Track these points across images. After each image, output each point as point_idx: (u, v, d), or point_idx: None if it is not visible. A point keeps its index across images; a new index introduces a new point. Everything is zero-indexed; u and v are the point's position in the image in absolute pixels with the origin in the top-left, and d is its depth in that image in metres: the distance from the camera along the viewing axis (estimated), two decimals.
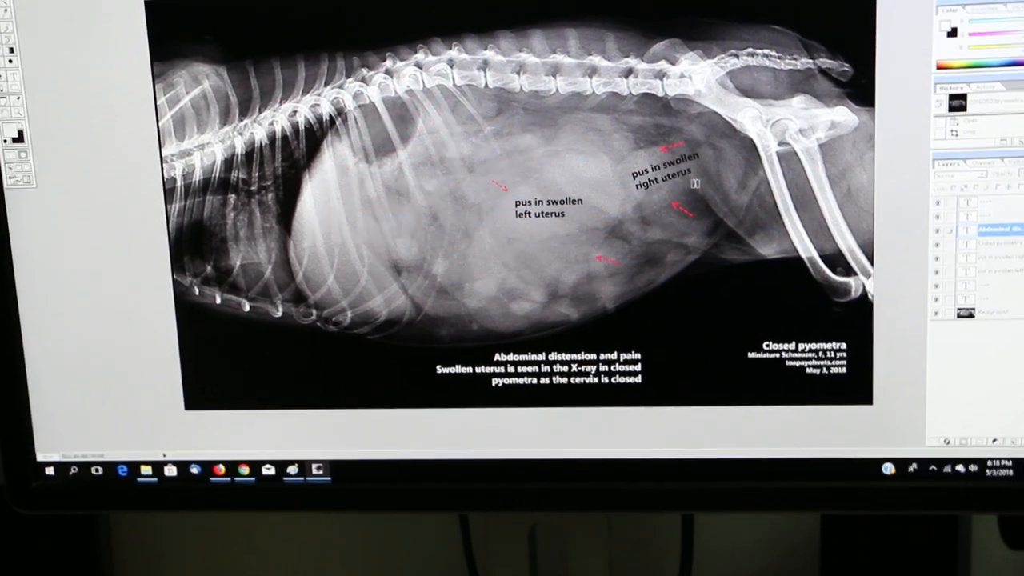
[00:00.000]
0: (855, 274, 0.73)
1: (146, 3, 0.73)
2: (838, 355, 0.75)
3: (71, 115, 0.76)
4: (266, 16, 0.73)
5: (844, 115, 0.71)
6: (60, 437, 0.81)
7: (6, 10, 0.75)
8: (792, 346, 0.75)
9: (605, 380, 0.77)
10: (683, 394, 0.76)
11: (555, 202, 0.74)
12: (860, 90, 0.71)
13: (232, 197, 0.76)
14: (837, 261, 0.73)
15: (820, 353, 0.75)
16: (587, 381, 0.77)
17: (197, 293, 0.77)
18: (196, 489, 0.81)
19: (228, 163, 0.75)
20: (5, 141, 0.76)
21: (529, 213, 0.74)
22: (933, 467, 0.76)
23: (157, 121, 0.75)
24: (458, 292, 0.76)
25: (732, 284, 0.74)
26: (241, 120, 0.75)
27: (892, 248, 0.73)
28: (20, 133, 0.76)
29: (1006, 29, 0.69)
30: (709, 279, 0.74)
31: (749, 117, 0.72)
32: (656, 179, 0.73)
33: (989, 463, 0.75)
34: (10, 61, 0.75)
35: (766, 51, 0.71)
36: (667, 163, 0.73)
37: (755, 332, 0.75)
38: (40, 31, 0.75)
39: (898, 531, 0.90)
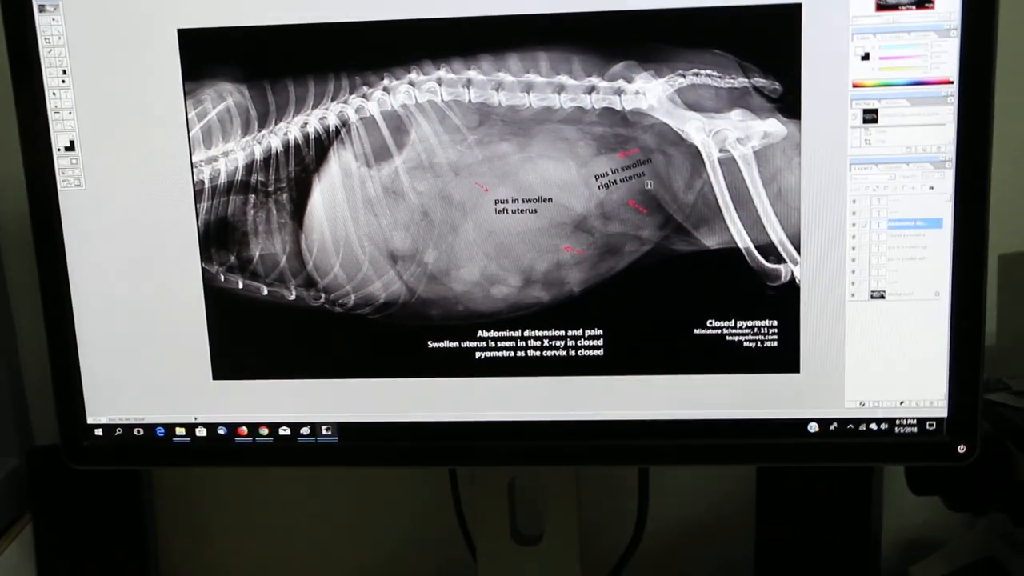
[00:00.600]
0: (785, 262, 0.73)
1: (179, 31, 0.73)
2: (770, 331, 0.75)
3: (115, 127, 0.75)
4: (281, 43, 0.73)
5: (775, 126, 0.71)
6: (107, 403, 0.81)
7: (60, 37, 0.74)
8: (731, 323, 0.75)
9: (572, 353, 0.77)
10: (639, 365, 0.77)
11: (529, 200, 0.74)
12: (788, 105, 0.71)
13: (252, 197, 0.75)
14: (769, 251, 0.73)
15: (755, 329, 0.75)
16: (557, 354, 0.77)
17: (223, 279, 0.77)
18: (223, 448, 0.81)
19: (249, 168, 0.75)
20: (59, 150, 0.76)
21: (507, 210, 0.74)
22: (851, 426, 0.76)
23: (188, 132, 0.75)
24: (446, 278, 0.76)
25: (680, 271, 0.74)
26: (260, 131, 0.74)
27: (816, 239, 0.73)
28: (72, 143, 0.76)
29: (911, 54, 0.69)
30: (661, 266, 0.74)
31: (694, 128, 0.72)
32: (615, 181, 0.73)
33: (897, 422, 0.76)
34: (63, 81, 0.75)
35: (708, 71, 0.71)
36: (624, 167, 0.73)
37: (700, 311, 0.75)
38: (88, 55, 0.75)
39: (821, 480, 0.90)
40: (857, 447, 0.77)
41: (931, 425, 0.76)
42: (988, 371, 0.80)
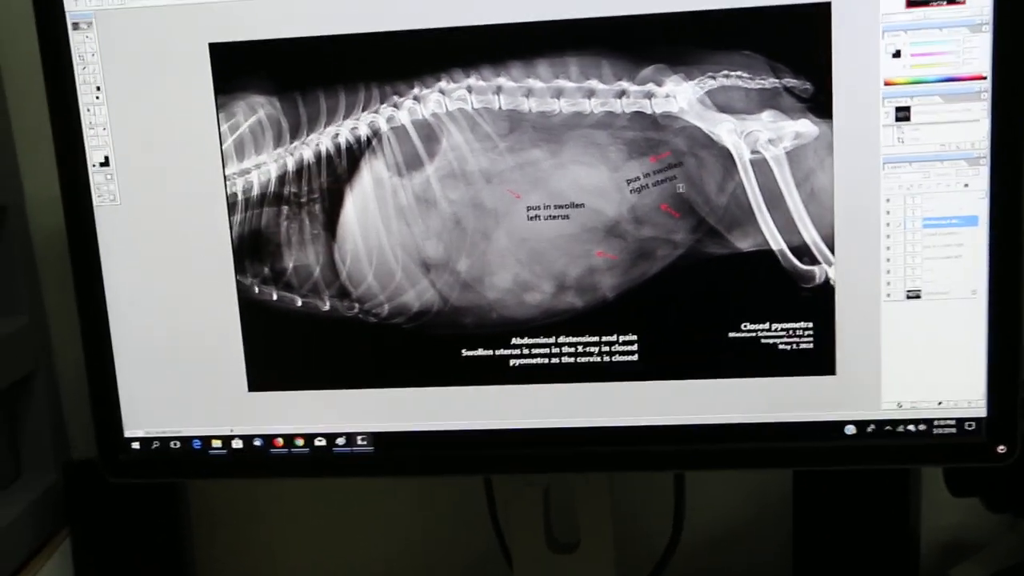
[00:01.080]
0: (819, 263, 0.73)
1: (210, 45, 0.74)
2: (805, 333, 0.74)
3: (149, 142, 0.76)
4: (310, 55, 0.73)
5: (806, 127, 0.71)
6: (144, 416, 0.81)
7: (94, 55, 0.75)
8: (766, 326, 0.74)
9: (606, 359, 0.76)
10: (673, 369, 0.76)
11: (561, 206, 0.74)
12: (819, 105, 0.70)
13: (285, 208, 0.76)
14: (803, 252, 0.73)
15: (790, 331, 0.74)
16: (591, 360, 0.76)
17: (257, 291, 0.77)
18: (259, 459, 0.81)
19: (281, 179, 0.75)
20: (94, 165, 0.77)
21: (539, 216, 0.74)
22: (888, 427, 0.76)
23: (220, 145, 0.75)
24: (479, 285, 0.76)
25: (714, 274, 0.74)
26: (291, 142, 0.75)
27: (850, 240, 0.72)
28: (106, 158, 0.76)
29: (942, 50, 0.69)
30: (694, 270, 0.74)
31: (726, 130, 0.71)
32: (647, 185, 0.73)
33: (935, 423, 0.75)
34: (97, 98, 0.76)
35: (739, 73, 0.70)
36: (656, 171, 0.72)
37: (734, 315, 0.75)
38: (122, 72, 0.75)
39: (859, 483, 0.90)
40: (895, 449, 0.76)
41: (970, 425, 0.75)
42: None
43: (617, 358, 0.76)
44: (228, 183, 0.76)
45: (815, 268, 0.73)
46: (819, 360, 0.75)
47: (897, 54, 0.69)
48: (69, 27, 0.75)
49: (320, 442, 0.80)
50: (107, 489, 0.97)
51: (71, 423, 1.05)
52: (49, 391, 1.01)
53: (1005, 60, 0.69)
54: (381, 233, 0.75)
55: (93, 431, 0.82)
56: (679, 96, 0.71)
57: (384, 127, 0.74)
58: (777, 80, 0.70)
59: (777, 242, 0.73)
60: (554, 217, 0.74)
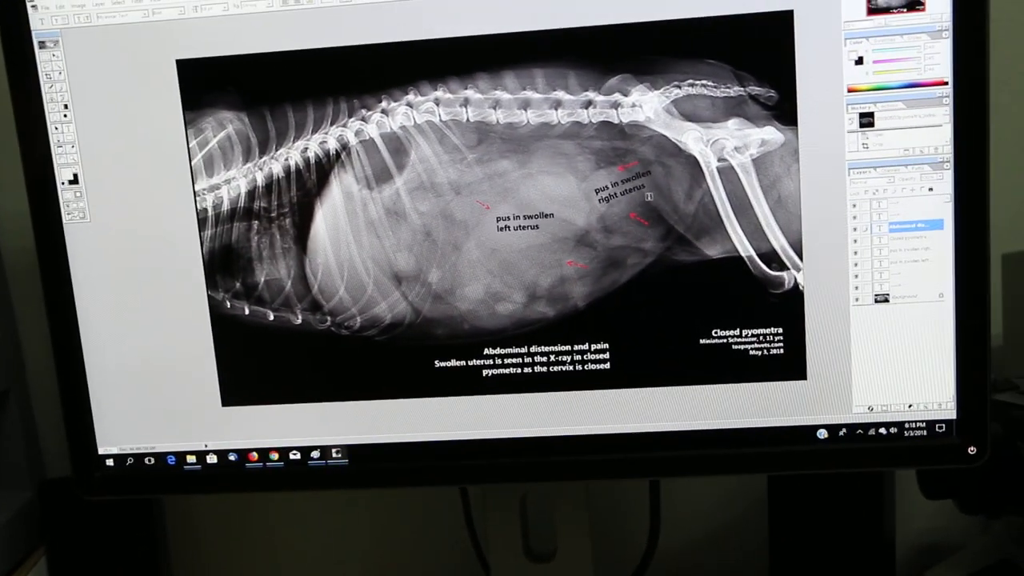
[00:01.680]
0: (787, 269, 0.73)
1: (177, 61, 0.74)
2: (776, 339, 0.75)
3: (117, 159, 0.76)
4: (278, 70, 0.73)
5: (772, 134, 0.71)
6: (117, 433, 0.81)
7: (60, 72, 0.75)
8: (737, 332, 0.75)
9: (579, 367, 0.77)
10: (646, 377, 0.76)
11: (530, 216, 0.74)
12: (784, 112, 0.71)
13: (255, 223, 0.76)
14: (772, 258, 0.73)
15: (760, 337, 0.75)
16: (564, 369, 0.77)
17: (228, 306, 0.77)
18: (234, 473, 0.81)
19: (251, 194, 0.75)
20: (63, 183, 0.76)
21: (509, 227, 0.74)
22: (860, 431, 0.76)
23: (190, 161, 0.75)
24: (451, 297, 0.76)
25: (684, 281, 0.74)
26: (261, 157, 0.75)
27: (817, 245, 0.73)
28: (75, 175, 0.76)
29: (904, 56, 0.70)
30: (664, 277, 0.74)
31: (692, 138, 0.72)
32: (616, 194, 0.73)
33: (906, 425, 0.76)
34: (65, 116, 0.76)
35: (704, 82, 0.71)
36: (624, 180, 0.73)
37: (705, 321, 0.75)
38: (89, 90, 0.75)
39: (834, 486, 0.90)
40: (867, 452, 0.76)
41: (940, 428, 0.75)
42: (995, 371, 0.80)
43: (590, 366, 0.76)
44: (198, 199, 0.76)
45: (784, 274, 0.73)
46: (790, 365, 0.75)
47: (860, 61, 0.70)
48: (36, 46, 0.75)
49: (295, 455, 0.80)
50: (83, 506, 0.97)
51: (45, 441, 1.05)
52: (22, 409, 1.01)
53: (966, 65, 0.69)
54: (352, 246, 0.75)
55: (67, 448, 0.81)
56: (645, 105, 0.72)
57: (353, 140, 0.74)
58: (742, 88, 0.71)
59: (746, 249, 0.73)
60: (524, 227, 0.74)
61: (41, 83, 0.75)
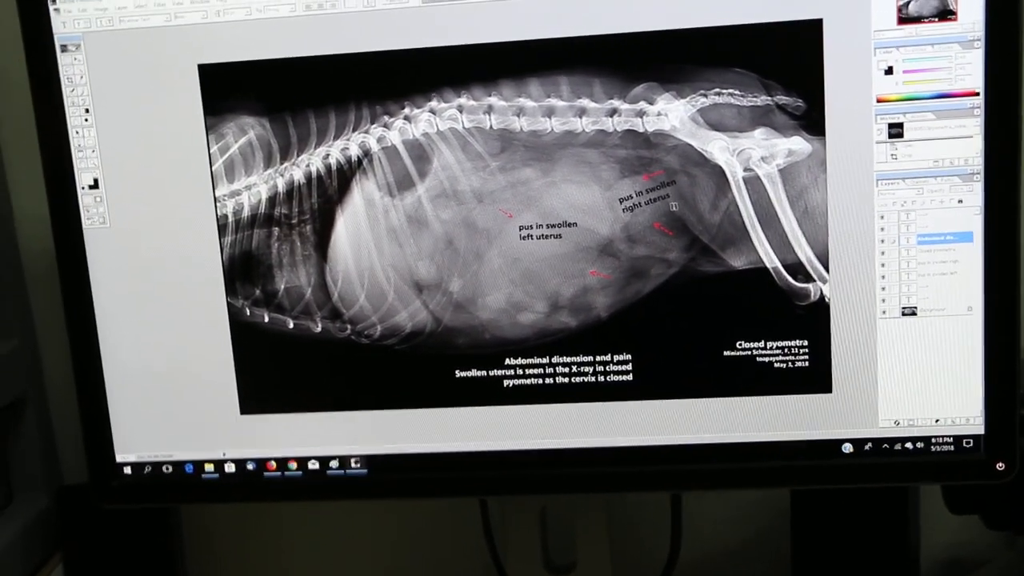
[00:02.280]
0: (813, 280, 0.72)
1: (199, 66, 0.73)
2: (801, 351, 0.74)
3: (138, 163, 0.76)
4: (301, 75, 0.73)
5: (799, 144, 0.71)
6: (135, 441, 0.80)
7: (82, 76, 0.75)
8: (761, 344, 0.74)
9: (601, 379, 0.76)
10: (669, 389, 0.76)
11: (553, 225, 0.73)
12: (812, 122, 0.70)
13: (276, 230, 0.75)
14: (798, 270, 0.72)
15: (786, 350, 0.74)
16: (586, 380, 0.76)
17: (248, 314, 0.77)
18: (252, 483, 0.80)
19: (272, 201, 0.75)
20: (83, 188, 0.76)
21: (531, 236, 0.74)
22: (885, 445, 0.75)
23: (210, 166, 0.75)
24: (472, 306, 0.75)
25: (708, 292, 0.73)
26: (282, 163, 0.74)
27: (844, 257, 0.72)
28: (96, 180, 0.76)
29: (934, 67, 0.69)
30: (688, 288, 0.73)
31: (718, 148, 0.71)
32: (640, 203, 0.72)
33: (933, 440, 0.75)
34: (86, 120, 0.75)
35: (730, 90, 0.70)
36: (649, 189, 0.72)
37: (729, 333, 0.74)
38: (110, 94, 0.75)
39: (858, 500, 0.89)
40: (893, 467, 0.75)
41: (968, 443, 0.74)
42: None
43: (612, 378, 0.76)
44: (218, 205, 0.75)
45: (810, 286, 0.73)
46: (815, 378, 0.74)
47: (889, 71, 0.69)
48: (57, 49, 0.74)
49: (313, 465, 0.80)
50: (99, 513, 0.96)
51: (63, 447, 1.05)
52: (40, 415, 1.01)
53: (998, 76, 0.68)
54: (372, 254, 0.75)
55: (85, 455, 0.81)
56: (671, 114, 0.71)
57: (375, 147, 0.74)
58: (769, 97, 0.70)
59: (771, 260, 0.72)
60: (547, 236, 0.74)
61: (63, 87, 0.75)
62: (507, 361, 0.76)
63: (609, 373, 0.76)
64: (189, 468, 0.81)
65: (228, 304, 0.77)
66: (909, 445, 0.75)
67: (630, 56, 0.70)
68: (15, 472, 1.00)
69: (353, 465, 0.79)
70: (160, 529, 0.99)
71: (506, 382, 0.76)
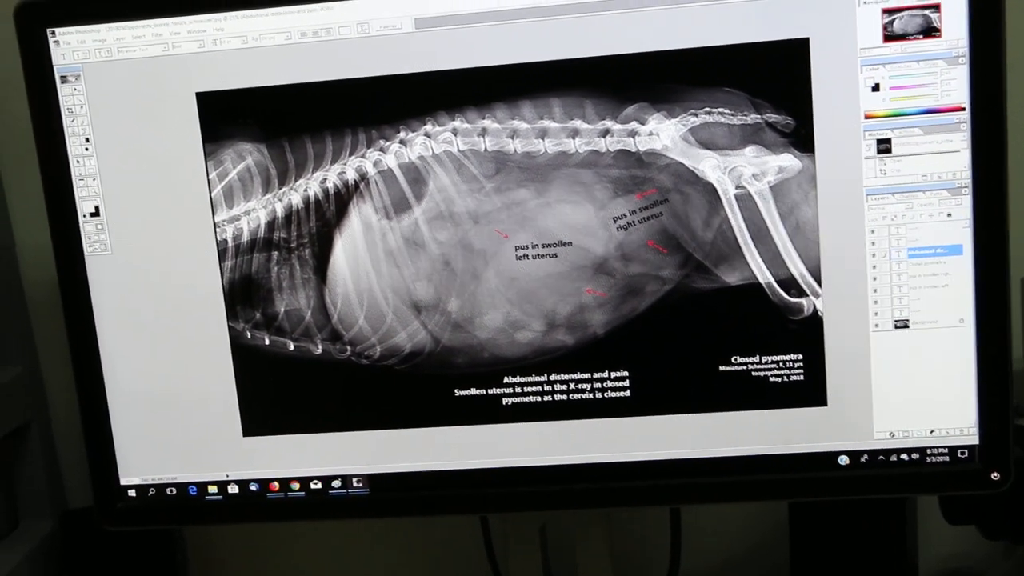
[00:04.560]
0: (806, 295, 0.73)
1: (197, 94, 0.74)
2: (796, 365, 0.74)
3: (138, 191, 0.76)
4: (297, 101, 0.74)
5: (789, 161, 0.71)
6: (139, 464, 0.81)
7: (82, 106, 0.75)
8: (756, 359, 0.75)
9: (599, 395, 0.77)
10: (666, 404, 0.76)
11: (549, 245, 0.74)
12: (802, 139, 0.71)
13: (275, 254, 0.76)
14: (790, 285, 0.73)
15: (780, 364, 0.75)
16: (583, 397, 0.77)
17: (249, 337, 0.78)
18: (255, 504, 0.81)
19: (271, 225, 0.76)
20: (84, 216, 0.77)
21: (527, 256, 0.74)
22: (881, 457, 0.76)
23: (209, 192, 0.76)
24: (470, 326, 0.76)
25: (703, 308, 0.74)
26: (280, 188, 0.75)
27: (836, 271, 0.73)
28: (97, 208, 0.77)
29: (920, 83, 0.70)
30: (683, 305, 0.74)
31: (709, 166, 0.72)
32: (633, 222, 0.73)
33: (928, 451, 0.75)
34: (87, 149, 0.76)
35: (720, 109, 0.71)
36: (642, 208, 0.73)
37: (724, 348, 0.75)
38: (110, 123, 0.76)
39: (855, 511, 0.89)
40: (889, 478, 0.76)
41: (963, 453, 0.75)
42: (1017, 396, 0.79)
43: (609, 394, 0.76)
44: (218, 230, 0.76)
45: (803, 300, 0.73)
46: (810, 392, 0.75)
47: (876, 87, 0.70)
48: (57, 80, 0.75)
49: (316, 485, 0.80)
50: (105, 537, 0.97)
51: (67, 472, 1.05)
52: (44, 440, 1.01)
53: (983, 91, 0.69)
54: (371, 276, 0.76)
55: (89, 479, 0.82)
56: (662, 134, 0.72)
57: (371, 171, 0.74)
58: (759, 116, 0.71)
59: (764, 275, 0.73)
60: (542, 256, 0.74)
61: (63, 117, 0.76)
62: (506, 379, 0.77)
63: (606, 390, 0.76)
64: (193, 490, 0.81)
65: (229, 328, 0.78)
66: (904, 456, 0.75)
67: (621, 77, 0.71)
68: (21, 497, 1.00)
69: (355, 484, 0.80)
70: (165, 551, 0.99)
71: (505, 400, 0.77)
